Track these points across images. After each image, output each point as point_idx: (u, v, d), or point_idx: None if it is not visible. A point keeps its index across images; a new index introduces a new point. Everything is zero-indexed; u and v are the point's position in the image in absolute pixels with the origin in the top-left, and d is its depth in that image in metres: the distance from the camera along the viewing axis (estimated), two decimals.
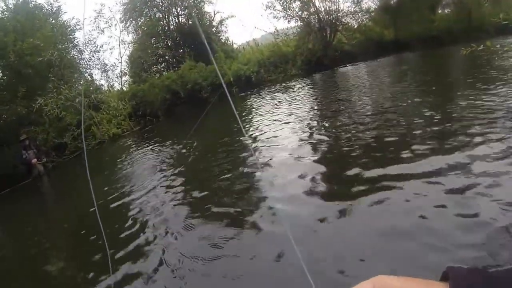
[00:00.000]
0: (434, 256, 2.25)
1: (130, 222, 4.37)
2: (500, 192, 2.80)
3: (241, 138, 6.83)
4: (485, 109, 4.85)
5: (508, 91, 5.57)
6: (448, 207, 2.76)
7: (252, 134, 7.05)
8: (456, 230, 2.48)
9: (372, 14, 18.17)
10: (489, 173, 3.11)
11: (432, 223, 2.62)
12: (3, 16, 11.68)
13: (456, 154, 3.61)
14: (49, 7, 12.80)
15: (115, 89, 17.29)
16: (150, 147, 9.46)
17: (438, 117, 5.02)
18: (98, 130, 13.05)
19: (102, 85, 16.28)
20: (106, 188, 6.44)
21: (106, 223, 4.51)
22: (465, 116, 4.74)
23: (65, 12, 13.23)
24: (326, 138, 5.45)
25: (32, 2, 12.32)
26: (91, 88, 14.14)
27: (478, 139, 3.86)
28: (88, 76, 15.03)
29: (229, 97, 1.06)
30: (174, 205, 4.51)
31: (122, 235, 4.05)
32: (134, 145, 10.84)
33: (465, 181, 3.06)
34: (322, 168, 4.25)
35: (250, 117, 9.28)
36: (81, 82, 14.09)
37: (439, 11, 18.67)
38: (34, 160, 8.11)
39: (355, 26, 18.27)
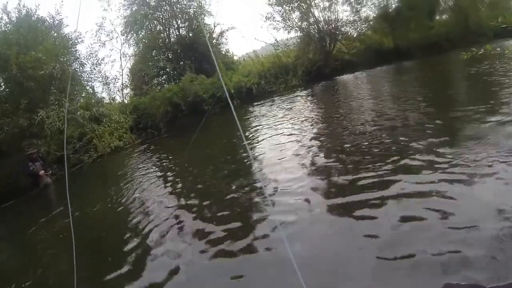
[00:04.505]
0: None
1: (128, 237, 4.31)
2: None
3: (241, 151, 6.82)
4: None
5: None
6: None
7: (252, 148, 7.02)
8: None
9: (371, 22, 18.34)
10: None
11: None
12: (6, 29, 11.68)
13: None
14: (51, 20, 12.80)
15: (117, 101, 17.22)
16: (151, 160, 9.42)
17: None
18: (100, 142, 12.91)
19: (104, 97, 16.20)
20: (105, 200, 6.42)
21: (102, 235, 4.58)
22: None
23: (67, 25, 13.19)
24: (326, 153, 5.38)
25: (35, 15, 12.34)
26: (93, 101, 14.07)
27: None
28: (90, 89, 14.98)
29: (233, 109, 0.99)
30: (169, 219, 4.50)
31: (118, 250, 4.04)
32: (135, 158, 10.73)
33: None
34: (323, 185, 4.19)
35: (250, 130, 9.19)
36: (83, 95, 14.05)
37: (437, 18, 18.88)
38: (42, 172, 8.04)
39: (355, 35, 18.41)
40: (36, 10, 12.43)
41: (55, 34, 12.94)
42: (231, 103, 2.59)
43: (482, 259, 2.22)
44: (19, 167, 8.78)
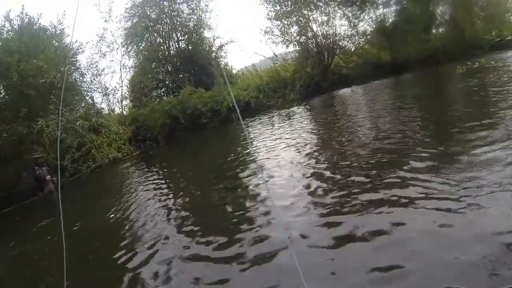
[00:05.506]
0: None
1: (119, 251, 4.15)
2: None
3: (239, 166, 6.71)
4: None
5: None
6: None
7: (253, 159, 6.95)
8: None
9: (368, 37, 18.73)
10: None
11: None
12: (8, 37, 11.69)
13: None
14: (53, 29, 12.89)
15: (116, 112, 17.12)
16: (148, 172, 9.27)
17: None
18: (98, 153, 12.75)
19: (103, 108, 16.12)
20: (101, 212, 6.29)
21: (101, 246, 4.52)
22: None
23: (68, 35, 13.25)
24: (326, 167, 5.23)
25: (37, 24, 12.40)
26: (92, 111, 13.97)
27: None
28: (89, 99, 14.92)
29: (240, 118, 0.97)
30: (167, 227, 4.46)
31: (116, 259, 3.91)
32: (133, 170, 10.57)
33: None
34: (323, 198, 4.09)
35: (249, 144, 9.06)
36: (82, 105, 13.96)
37: (434, 31, 19.33)
38: (48, 177, 7.90)
39: (352, 49, 18.76)
40: (38, 19, 12.53)
41: (56, 43, 12.99)
42: (239, 113, 2.55)
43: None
44: (26, 170, 8.65)
